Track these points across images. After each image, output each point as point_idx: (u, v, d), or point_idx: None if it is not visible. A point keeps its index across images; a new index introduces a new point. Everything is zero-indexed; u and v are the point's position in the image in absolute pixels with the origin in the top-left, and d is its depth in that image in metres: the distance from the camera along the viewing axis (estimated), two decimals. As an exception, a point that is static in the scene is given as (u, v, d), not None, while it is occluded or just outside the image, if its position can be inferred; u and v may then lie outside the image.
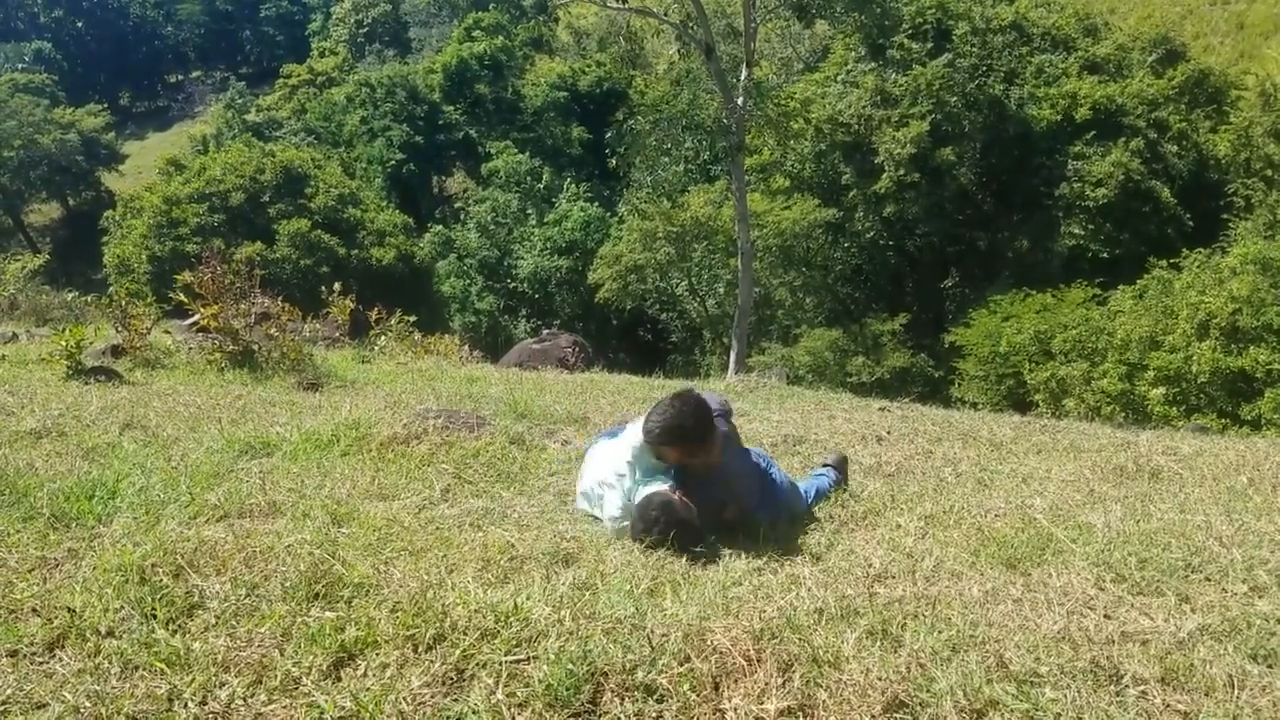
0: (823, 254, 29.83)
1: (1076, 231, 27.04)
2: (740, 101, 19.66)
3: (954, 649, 2.65)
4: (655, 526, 3.72)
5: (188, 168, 38.26)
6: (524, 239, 39.36)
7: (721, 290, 30.62)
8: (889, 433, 6.46)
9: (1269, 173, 25.68)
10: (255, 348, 8.72)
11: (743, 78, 19.97)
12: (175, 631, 2.65)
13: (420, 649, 2.53)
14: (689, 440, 3.97)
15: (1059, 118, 28.37)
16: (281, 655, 2.52)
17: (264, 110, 60.83)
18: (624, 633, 2.59)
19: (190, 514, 3.73)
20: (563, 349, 15.30)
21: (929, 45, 29.99)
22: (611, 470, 4.11)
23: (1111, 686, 2.49)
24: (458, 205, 48.46)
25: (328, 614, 2.72)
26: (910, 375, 25.46)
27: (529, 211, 40.80)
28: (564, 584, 3.05)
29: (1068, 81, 29.38)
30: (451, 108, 49.35)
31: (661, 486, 3.94)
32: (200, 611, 2.78)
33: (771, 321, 31.06)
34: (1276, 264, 14.58)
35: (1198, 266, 16.86)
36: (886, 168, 28.25)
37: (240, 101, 62.47)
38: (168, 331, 10.02)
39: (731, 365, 20.52)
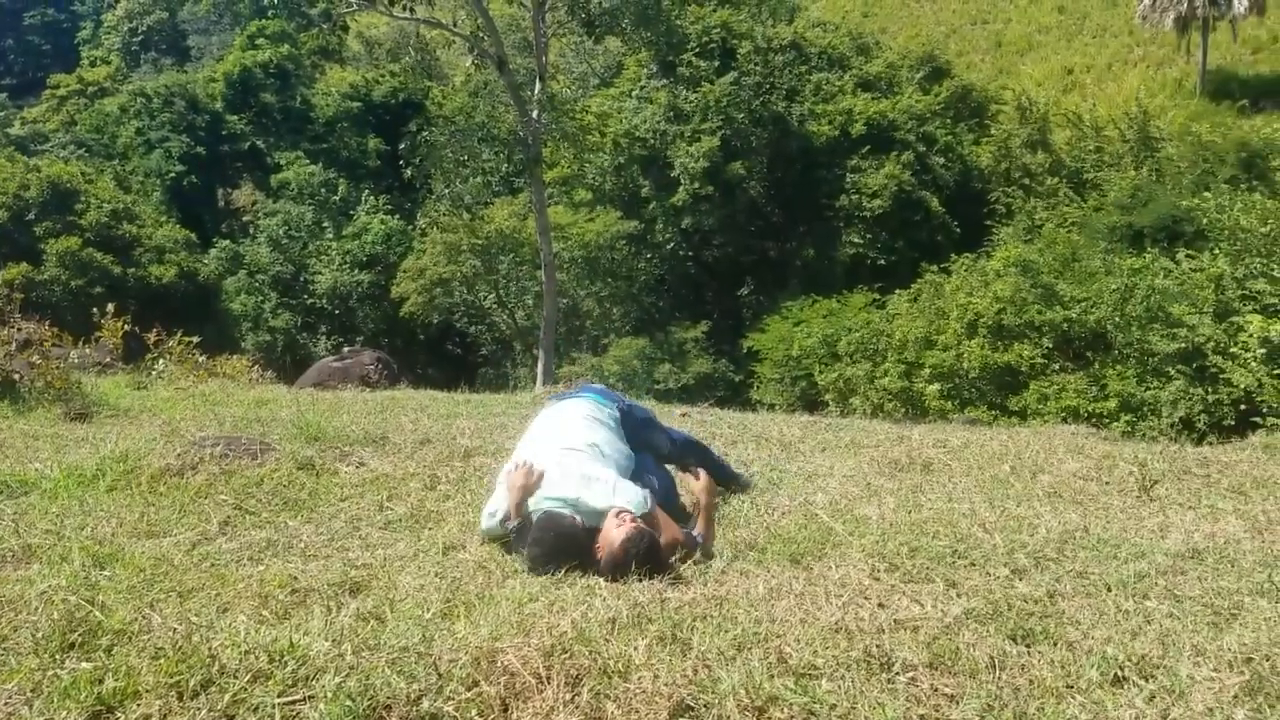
0: (627, 265, 30.36)
1: (856, 240, 28.77)
2: (535, 114, 19.68)
3: (739, 647, 2.70)
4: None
5: (-56, 186, 34.53)
6: (321, 253, 37.84)
7: (530, 302, 30.53)
8: (687, 438, 6.61)
9: (1027, 181, 28.01)
10: (16, 377, 8.09)
11: (537, 91, 20.01)
12: (-94, 697, 2.37)
13: (185, 696, 2.36)
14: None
15: (837, 133, 30.04)
16: (31, 711, 2.31)
17: (29, 123, 56.50)
18: (409, 662, 2.51)
19: (-74, 567, 3.36)
20: (365, 366, 14.82)
21: (716, 63, 31.10)
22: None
23: (883, 674, 2.57)
24: (246, 219, 45.97)
25: (84, 665, 2.50)
26: (713, 380, 26.23)
27: (325, 225, 39.26)
28: (348, 615, 2.93)
29: (844, 99, 31.18)
30: (236, 117, 46.85)
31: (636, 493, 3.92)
32: (-64, 673, 2.49)
33: (581, 332, 31.30)
34: (1036, 266, 15.81)
35: (965, 270, 18.10)
36: (682, 181, 29.09)
37: (2, 114, 57.47)
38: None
39: (539, 376, 20.47)
